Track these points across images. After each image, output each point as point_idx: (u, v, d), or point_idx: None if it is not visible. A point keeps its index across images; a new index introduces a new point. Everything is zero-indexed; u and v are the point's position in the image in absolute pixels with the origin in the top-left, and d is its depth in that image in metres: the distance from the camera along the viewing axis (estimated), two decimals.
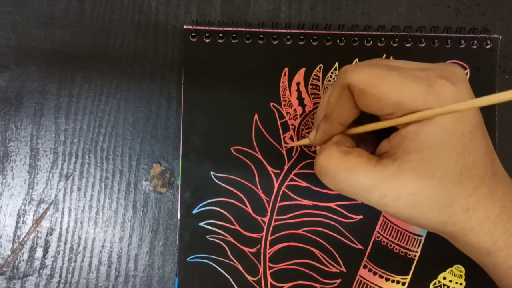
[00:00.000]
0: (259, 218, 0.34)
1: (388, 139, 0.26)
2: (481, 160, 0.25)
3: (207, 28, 0.34)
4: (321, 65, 0.35)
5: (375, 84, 0.24)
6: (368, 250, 0.34)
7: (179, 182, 0.34)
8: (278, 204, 0.34)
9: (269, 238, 0.34)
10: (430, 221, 0.26)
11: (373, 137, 0.30)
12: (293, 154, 0.34)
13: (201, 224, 0.34)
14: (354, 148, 0.27)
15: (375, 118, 0.27)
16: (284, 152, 0.34)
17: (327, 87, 0.35)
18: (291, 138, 0.34)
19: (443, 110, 0.23)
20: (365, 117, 0.27)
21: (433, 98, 0.23)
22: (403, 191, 0.25)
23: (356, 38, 0.34)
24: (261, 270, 0.34)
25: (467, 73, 0.34)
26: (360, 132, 0.28)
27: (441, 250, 0.34)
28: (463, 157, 0.24)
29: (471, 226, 0.25)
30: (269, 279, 0.34)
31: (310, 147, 0.34)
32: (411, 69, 0.25)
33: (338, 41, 0.34)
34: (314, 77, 0.35)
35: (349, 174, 0.26)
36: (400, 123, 0.25)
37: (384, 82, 0.24)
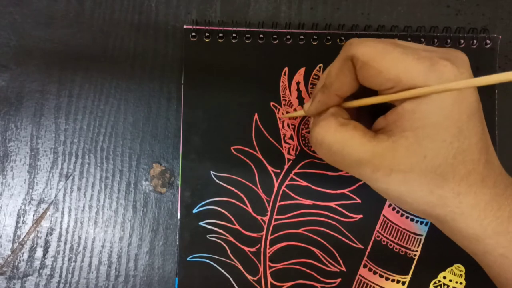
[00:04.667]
0: (259, 217, 0.34)
1: (384, 116, 0.26)
2: (476, 146, 0.25)
3: (207, 28, 0.34)
4: (321, 64, 0.35)
5: (378, 58, 0.25)
6: (368, 250, 0.34)
7: (179, 182, 0.34)
8: (278, 203, 0.34)
9: (269, 238, 0.34)
10: (419, 201, 0.26)
11: (369, 114, 0.30)
12: (293, 154, 0.34)
13: (201, 223, 0.34)
14: (351, 120, 0.27)
15: (371, 95, 0.27)
16: (284, 152, 0.34)
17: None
18: (291, 138, 0.34)
19: (440, 88, 0.23)
20: (362, 95, 0.28)
21: (434, 77, 0.24)
22: (395, 167, 0.25)
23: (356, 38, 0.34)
24: (261, 269, 0.34)
25: None
26: (355, 106, 0.28)
27: (441, 250, 0.34)
28: (457, 140, 0.24)
29: (461, 211, 0.25)
30: (269, 278, 0.34)
31: (310, 146, 0.34)
32: (415, 48, 0.25)
33: (338, 40, 0.34)
34: (314, 76, 0.35)
35: (344, 145, 0.26)
36: (397, 99, 0.25)
37: (386, 57, 0.24)
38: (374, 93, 0.27)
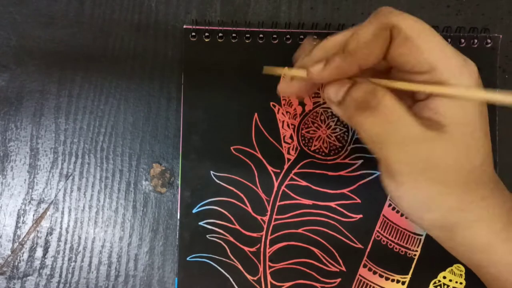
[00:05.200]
0: (259, 217, 0.34)
1: (424, 102, 0.25)
2: (490, 154, 0.25)
3: (207, 27, 0.34)
4: None
5: (424, 36, 0.23)
6: (368, 249, 0.34)
7: (179, 182, 0.34)
8: (278, 203, 0.34)
9: (269, 238, 0.34)
10: (444, 204, 0.25)
11: None
12: (293, 154, 0.34)
13: (201, 223, 0.34)
14: None
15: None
16: (284, 152, 0.34)
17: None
18: (291, 138, 0.34)
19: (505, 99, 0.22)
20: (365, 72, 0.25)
21: (467, 73, 0.23)
22: (440, 160, 0.24)
23: None
24: (261, 269, 0.34)
25: None
26: (384, 86, 0.25)
27: (441, 250, 0.34)
28: (483, 145, 0.24)
29: (478, 218, 0.25)
30: (269, 278, 0.34)
31: (310, 146, 0.34)
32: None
33: None
34: None
35: (402, 116, 0.23)
36: (447, 94, 0.23)
37: (432, 39, 0.23)
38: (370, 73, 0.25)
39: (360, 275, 0.34)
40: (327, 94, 0.26)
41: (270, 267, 0.34)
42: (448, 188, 0.24)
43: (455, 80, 0.23)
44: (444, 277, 0.34)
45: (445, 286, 0.34)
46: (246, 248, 0.34)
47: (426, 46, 0.23)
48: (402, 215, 0.34)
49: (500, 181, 0.26)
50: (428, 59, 0.23)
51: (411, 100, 0.26)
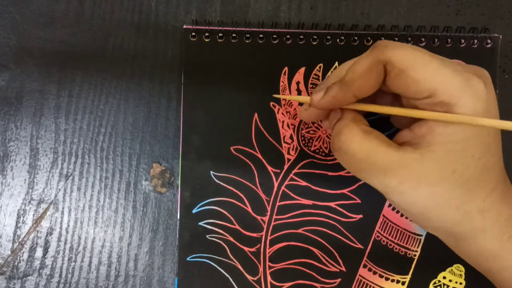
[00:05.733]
0: (259, 217, 0.34)
1: (409, 128, 0.26)
2: (498, 163, 0.25)
3: (207, 27, 0.34)
4: (321, 64, 0.35)
5: (417, 67, 0.24)
6: (368, 250, 0.34)
7: (179, 182, 0.34)
8: (278, 203, 0.34)
9: (269, 238, 0.34)
10: (443, 217, 0.25)
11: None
12: (293, 154, 0.34)
13: (201, 223, 0.34)
14: (373, 129, 0.26)
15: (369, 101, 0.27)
16: (284, 152, 0.34)
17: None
18: (291, 138, 0.34)
19: (481, 121, 0.23)
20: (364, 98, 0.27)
21: (470, 93, 0.23)
22: (423, 181, 0.24)
23: (356, 38, 0.34)
24: (261, 269, 0.34)
25: None
26: (380, 112, 0.27)
27: (441, 250, 0.34)
28: (484, 156, 0.24)
29: (483, 228, 0.25)
30: (269, 278, 0.34)
31: (310, 146, 0.34)
32: (448, 61, 0.25)
33: (338, 40, 0.34)
34: (314, 76, 0.35)
35: (370, 154, 0.25)
36: (437, 119, 0.24)
37: (426, 67, 0.24)
38: (371, 100, 0.26)
39: (360, 275, 0.34)
40: (325, 127, 0.29)
41: (270, 267, 0.34)
42: (436, 205, 0.25)
43: (457, 101, 0.23)
44: (444, 277, 0.34)
45: (445, 286, 0.34)
46: (246, 248, 0.34)
47: (420, 76, 0.24)
48: (402, 215, 0.34)
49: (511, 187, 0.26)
50: (425, 86, 0.24)
51: (414, 118, 0.27)
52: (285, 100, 0.35)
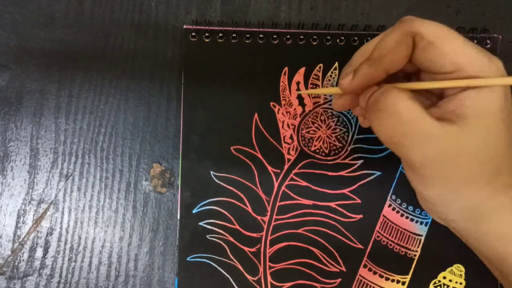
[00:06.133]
0: (259, 217, 0.34)
1: (436, 106, 0.26)
2: None
3: (207, 27, 0.34)
4: (321, 64, 0.35)
5: (445, 40, 0.24)
6: (368, 250, 0.34)
7: (179, 182, 0.34)
8: (278, 203, 0.34)
9: (269, 238, 0.34)
10: (476, 192, 0.25)
11: None
12: (293, 154, 0.34)
13: (201, 223, 0.34)
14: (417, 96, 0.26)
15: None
16: (284, 152, 0.34)
17: (327, 87, 0.35)
18: (291, 138, 0.34)
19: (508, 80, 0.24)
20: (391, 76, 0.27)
21: (495, 68, 0.24)
22: (461, 151, 0.24)
23: (356, 38, 0.34)
24: (261, 269, 0.34)
25: None
26: (412, 88, 0.26)
27: (441, 250, 0.34)
28: (509, 132, 0.25)
29: (504, 207, 0.25)
30: (269, 278, 0.34)
31: (310, 146, 0.34)
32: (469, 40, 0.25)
33: (338, 40, 0.34)
34: (314, 76, 0.35)
35: (417, 117, 0.25)
36: (468, 85, 0.24)
37: (454, 41, 0.24)
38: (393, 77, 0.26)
39: (360, 275, 0.34)
40: (360, 104, 0.29)
41: (270, 267, 0.34)
42: (471, 178, 0.25)
43: (483, 75, 0.24)
44: (444, 277, 0.34)
45: (445, 286, 0.34)
46: (246, 248, 0.34)
47: (448, 48, 0.24)
48: (402, 215, 0.34)
49: None
50: (452, 60, 0.24)
51: (437, 98, 0.27)
52: (285, 100, 0.35)
